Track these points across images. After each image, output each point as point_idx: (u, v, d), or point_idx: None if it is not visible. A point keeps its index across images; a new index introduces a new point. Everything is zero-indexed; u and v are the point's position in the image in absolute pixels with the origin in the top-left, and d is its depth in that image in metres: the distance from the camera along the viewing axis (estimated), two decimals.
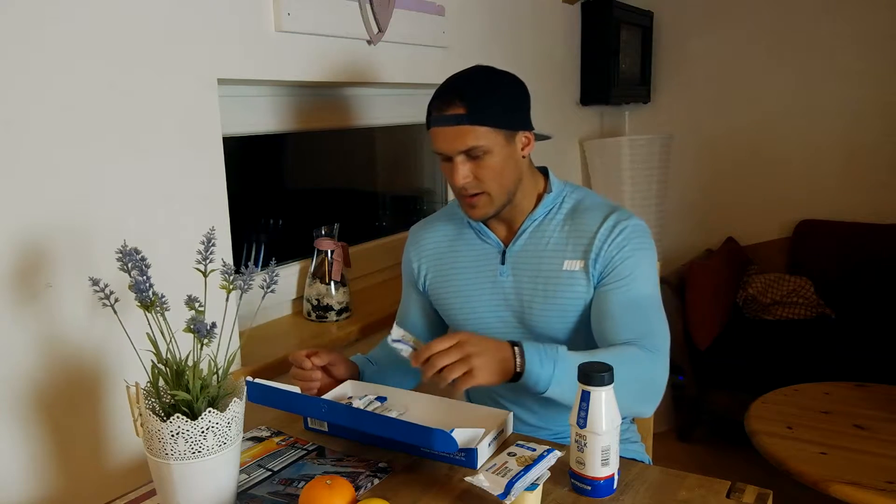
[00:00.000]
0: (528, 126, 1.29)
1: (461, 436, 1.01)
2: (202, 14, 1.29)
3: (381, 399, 1.23)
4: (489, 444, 1.08)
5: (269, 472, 1.06)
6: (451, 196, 2.34)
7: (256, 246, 1.75)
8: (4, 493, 1.08)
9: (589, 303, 1.28)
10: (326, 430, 1.18)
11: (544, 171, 1.38)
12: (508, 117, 1.24)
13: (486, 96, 1.22)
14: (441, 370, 1.06)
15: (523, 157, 1.29)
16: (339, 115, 1.87)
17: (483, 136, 1.21)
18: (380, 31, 1.69)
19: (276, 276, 0.96)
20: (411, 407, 1.23)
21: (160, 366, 0.90)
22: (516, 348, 1.12)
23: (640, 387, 1.19)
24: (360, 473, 1.04)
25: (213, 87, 1.33)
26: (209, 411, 0.87)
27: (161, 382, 0.90)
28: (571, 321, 1.30)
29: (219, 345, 0.90)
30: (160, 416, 0.86)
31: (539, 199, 1.34)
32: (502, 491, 0.89)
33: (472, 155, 1.23)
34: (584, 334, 1.33)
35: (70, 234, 1.12)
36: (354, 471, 1.05)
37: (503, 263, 1.34)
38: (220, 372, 0.92)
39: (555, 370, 1.10)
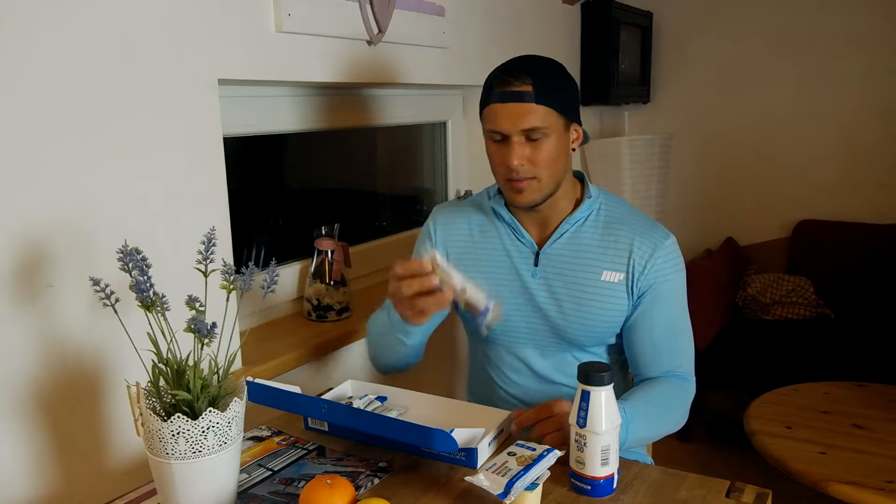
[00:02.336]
0: (580, 120, 1.29)
1: (461, 436, 1.01)
2: (202, 14, 1.29)
3: (381, 399, 1.23)
4: (489, 444, 1.08)
5: (270, 472, 1.06)
6: (451, 196, 2.34)
7: (256, 246, 1.76)
8: (4, 493, 1.08)
9: (625, 317, 1.29)
10: (326, 430, 1.18)
11: (580, 177, 1.37)
12: (569, 105, 1.24)
13: (553, 79, 1.21)
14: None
15: (573, 149, 1.29)
16: (340, 116, 1.87)
17: (546, 118, 1.20)
18: (380, 31, 1.69)
19: (276, 276, 0.96)
20: (411, 407, 1.23)
21: (161, 365, 0.90)
22: None
23: (680, 417, 1.29)
24: (360, 473, 1.04)
25: (213, 87, 1.33)
26: (210, 411, 0.87)
27: (161, 382, 0.91)
28: (603, 331, 1.30)
29: (219, 345, 0.91)
30: (161, 416, 0.86)
31: (577, 203, 1.33)
32: (502, 491, 0.89)
33: (531, 136, 1.20)
34: (613, 344, 1.34)
35: (70, 234, 1.12)
36: (354, 471, 1.05)
37: (536, 265, 1.32)
38: (221, 372, 0.92)
39: (627, 435, 1.13)
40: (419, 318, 1.16)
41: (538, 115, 1.19)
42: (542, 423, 1.11)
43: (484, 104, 1.24)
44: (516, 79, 1.19)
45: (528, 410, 1.13)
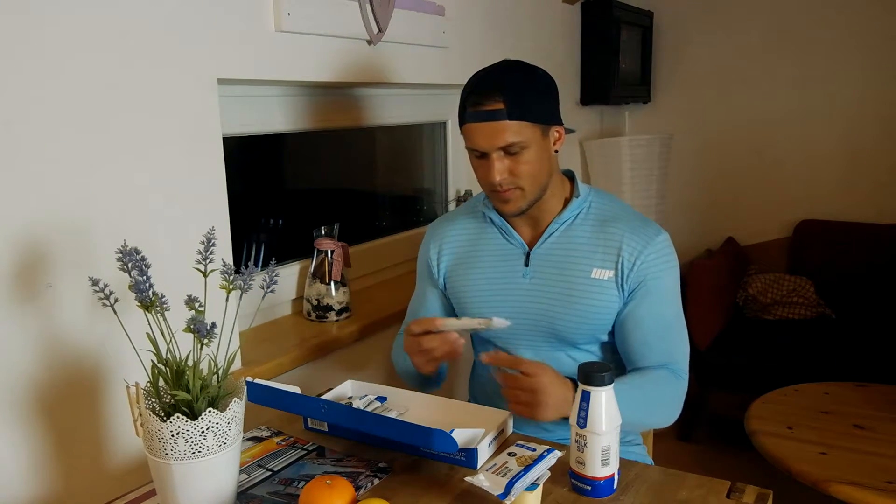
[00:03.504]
0: (559, 120, 1.28)
1: (461, 436, 1.01)
2: (202, 14, 1.29)
3: (381, 399, 1.23)
4: (489, 444, 1.08)
5: (269, 472, 1.06)
6: (451, 196, 2.34)
7: (256, 246, 1.75)
8: (4, 493, 1.08)
9: (616, 314, 1.29)
10: (326, 430, 1.18)
11: (569, 175, 1.37)
12: (544, 111, 1.23)
13: (524, 90, 1.21)
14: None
15: (555, 151, 1.28)
16: (340, 115, 1.87)
17: (521, 132, 1.20)
18: (380, 31, 1.69)
19: (275, 276, 0.96)
20: (411, 407, 1.23)
21: (160, 366, 0.90)
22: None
23: (664, 409, 1.28)
24: (360, 473, 1.04)
25: (213, 87, 1.33)
26: (209, 411, 0.87)
27: (161, 382, 0.90)
28: (595, 328, 1.30)
29: (219, 345, 0.90)
30: (160, 416, 0.86)
31: (566, 202, 1.33)
32: (502, 491, 0.89)
33: (509, 151, 1.21)
34: (606, 341, 1.34)
35: (70, 234, 1.12)
36: (354, 471, 1.05)
37: (527, 265, 1.32)
38: (220, 372, 0.92)
39: None
40: (432, 366, 1.24)
41: (513, 130, 1.19)
42: (514, 392, 1.13)
43: (461, 122, 1.26)
44: (487, 98, 1.19)
45: (509, 358, 1.16)
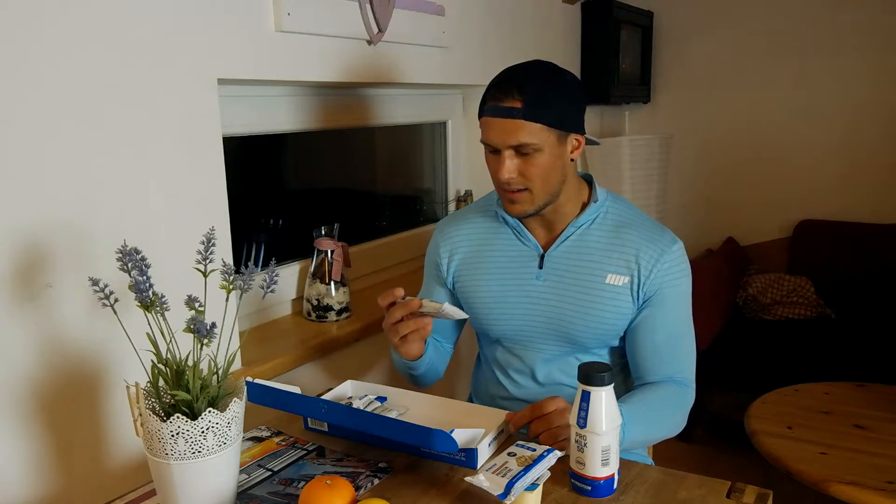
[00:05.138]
0: (580, 129, 1.27)
1: (461, 436, 1.01)
2: (202, 14, 1.29)
3: (381, 399, 1.23)
4: (489, 444, 1.08)
5: (269, 472, 1.06)
6: (451, 196, 2.34)
7: (256, 246, 1.75)
8: (4, 493, 1.08)
9: (629, 320, 1.29)
10: (326, 430, 1.18)
11: (588, 179, 1.36)
12: (564, 118, 1.22)
13: (545, 93, 1.20)
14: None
15: (571, 159, 1.27)
16: (340, 115, 1.87)
17: (536, 134, 1.19)
18: (380, 31, 1.69)
19: (275, 276, 0.96)
20: (411, 407, 1.23)
21: (160, 366, 0.90)
22: None
23: (677, 423, 1.29)
24: (360, 473, 1.04)
25: (213, 87, 1.33)
26: (209, 411, 0.87)
27: (161, 382, 0.90)
28: (607, 333, 1.30)
29: (219, 345, 0.90)
30: (160, 416, 0.86)
31: (583, 206, 1.32)
32: (502, 491, 0.89)
33: (521, 151, 1.20)
34: (616, 347, 1.34)
35: (70, 234, 1.12)
36: (354, 471, 1.05)
37: (541, 267, 1.32)
38: (220, 372, 0.92)
39: (624, 437, 1.10)
40: (406, 346, 1.24)
41: (527, 131, 1.18)
42: (535, 423, 1.11)
43: (479, 115, 1.25)
44: (506, 94, 1.18)
45: (521, 410, 1.13)
